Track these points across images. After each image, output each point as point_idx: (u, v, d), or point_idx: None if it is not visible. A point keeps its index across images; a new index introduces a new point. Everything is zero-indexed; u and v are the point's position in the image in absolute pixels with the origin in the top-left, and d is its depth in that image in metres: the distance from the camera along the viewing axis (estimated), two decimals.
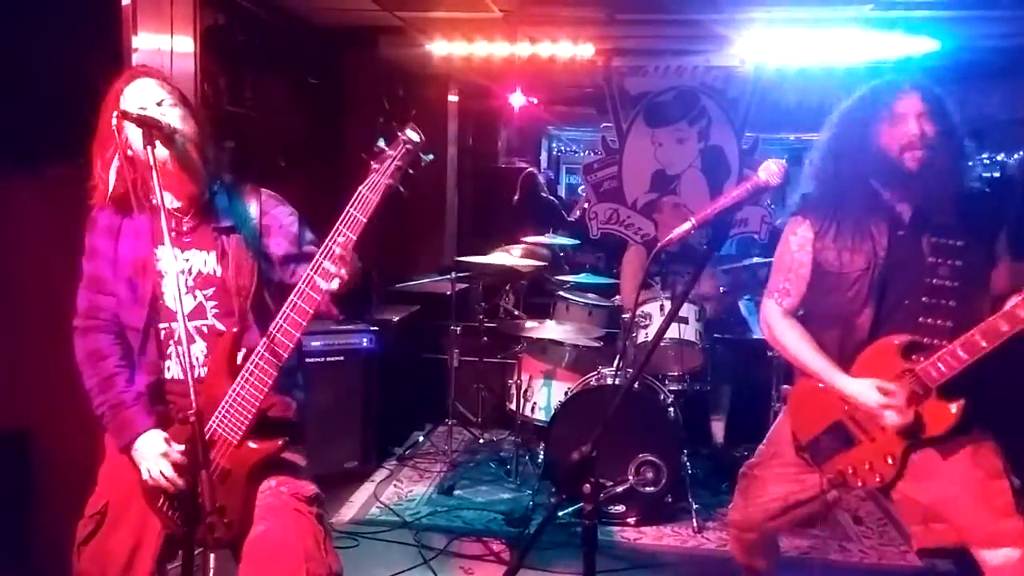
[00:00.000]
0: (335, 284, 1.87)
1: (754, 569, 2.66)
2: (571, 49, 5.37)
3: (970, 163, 2.29)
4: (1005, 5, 4.20)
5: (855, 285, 2.29)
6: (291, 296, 1.95)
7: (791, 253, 2.41)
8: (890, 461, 2.24)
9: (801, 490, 2.42)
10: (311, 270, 1.91)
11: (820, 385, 2.33)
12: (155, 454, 2.00)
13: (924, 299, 2.23)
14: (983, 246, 2.23)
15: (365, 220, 1.89)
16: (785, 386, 2.58)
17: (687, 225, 1.84)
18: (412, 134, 1.94)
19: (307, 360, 2.33)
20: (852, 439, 2.30)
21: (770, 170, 1.82)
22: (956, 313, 2.19)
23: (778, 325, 2.42)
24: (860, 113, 2.32)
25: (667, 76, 5.67)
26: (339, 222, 1.90)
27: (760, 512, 2.50)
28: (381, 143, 1.95)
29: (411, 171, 1.95)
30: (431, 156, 1.98)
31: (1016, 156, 4.40)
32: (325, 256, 1.88)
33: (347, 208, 1.90)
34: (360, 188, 1.91)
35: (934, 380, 2.15)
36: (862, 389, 2.23)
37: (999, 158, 4.57)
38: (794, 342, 2.38)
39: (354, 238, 1.89)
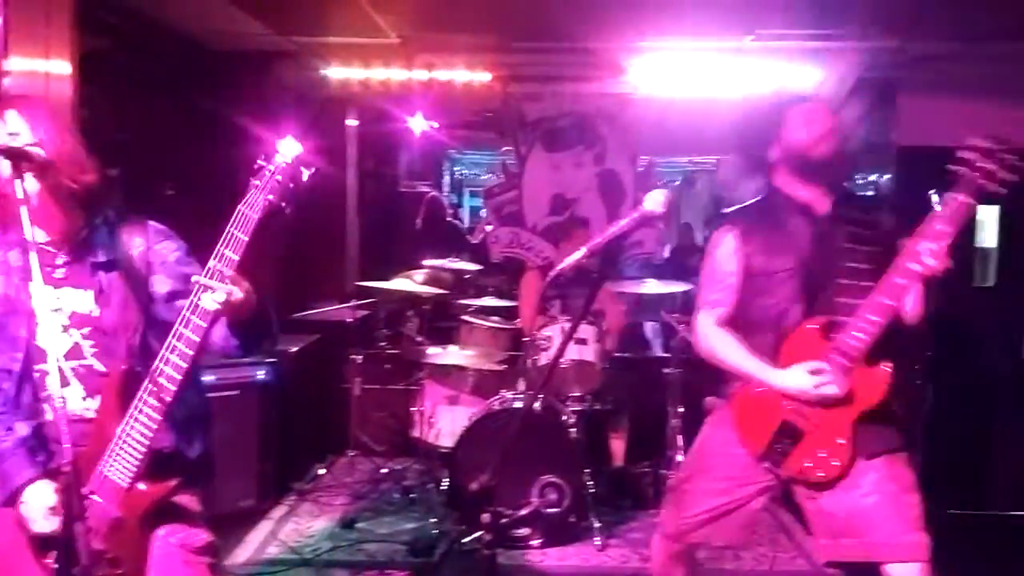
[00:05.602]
0: (220, 298, 1.78)
1: None
2: (468, 75, 5.42)
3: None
4: (874, 36, 4.48)
5: (786, 284, 2.36)
6: (176, 326, 1.84)
7: (720, 264, 2.46)
8: (841, 442, 2.27)
9: (730, 502, 2.45)
10: (194, 296, 1.81)
11: (759, 389, 2.35)
12: (43, 506, 1.87)
13: (841, 281, 2.30)
14: (889, 236, 2.30)
15: (246, 239, 1.81)
16: (710, 398, 2.58)
17: (578, 254, 1.89)
18: (288, 147, 1.86)
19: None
20: (801, 433, 2.32)
21: (655, 200, 1.88)
22: (870, 292, 2.22)
23: (712, 335, 2.45)
24: (769, 117, 2.41)
25: (564, 102, 5.80)
26: (220, 243, 1.82)
27: (690, 524, 2.52)
28: (261, 160, 1.87)
29: (292, 185, 1.86)
30: (312, 169, 1.89)
31: (887, 176, 4.75)
32: (209, 275, 1.80)
33: (227, 228, 1.82)
34: (239, 207, 1.83)
35: (855, 348, 2.20)
36: (795, 377, 2.27)
37: (871, 178, 4.92)
38: (727, 349, 2.41)
39: (236, 258, 1.81)
